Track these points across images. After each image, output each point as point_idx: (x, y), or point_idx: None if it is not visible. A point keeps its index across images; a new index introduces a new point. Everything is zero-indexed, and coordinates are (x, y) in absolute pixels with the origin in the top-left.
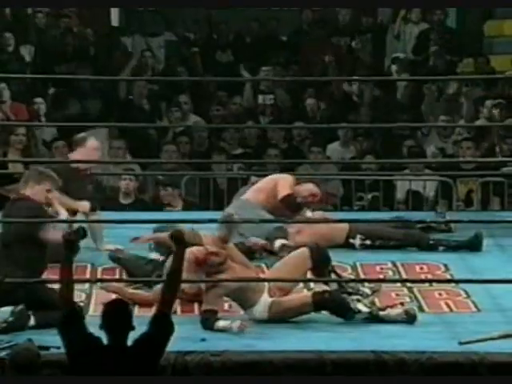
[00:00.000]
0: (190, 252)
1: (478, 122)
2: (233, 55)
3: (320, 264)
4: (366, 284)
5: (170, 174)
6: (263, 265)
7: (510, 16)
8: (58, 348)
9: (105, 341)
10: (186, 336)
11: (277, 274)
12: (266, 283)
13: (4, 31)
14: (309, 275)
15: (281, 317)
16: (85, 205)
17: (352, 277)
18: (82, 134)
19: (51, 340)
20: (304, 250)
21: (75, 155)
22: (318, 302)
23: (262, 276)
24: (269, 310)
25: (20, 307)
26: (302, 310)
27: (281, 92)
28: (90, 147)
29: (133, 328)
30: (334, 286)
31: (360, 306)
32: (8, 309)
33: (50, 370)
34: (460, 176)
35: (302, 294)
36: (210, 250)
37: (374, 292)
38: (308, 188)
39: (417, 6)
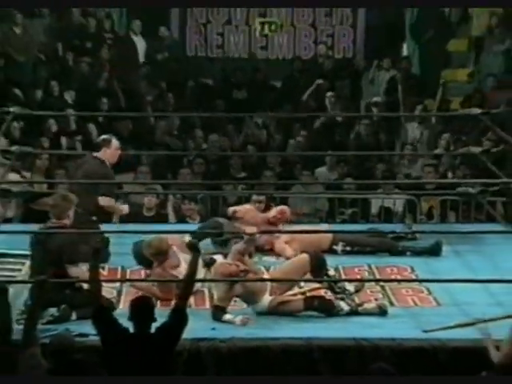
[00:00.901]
0: (225, 268)
1: (437, 151)
2: (247, 93)
3: (317, 269)
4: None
5: (188, 193)
6: (262, 267)
7: (462, 65)
8: (95, 335)
9: (131, 330)
10: (199, 326)
11: (279, 275)
12: (269, 284)
13: (50, 79)
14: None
15: (277, 312)
16: (124, 207)
17: (336, 276)
18: (106, 136)
19: (90, 329)
20: (305, 256)
21: (102, 155)
22: (308, 307)
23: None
24: (268, 306)
25: (64, 306)
26: (294, 310)
27: (272, 127)
28: (115, 147)
29: (155, 319)
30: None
31: (342, 305)
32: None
33: (86, 353)
34: (423, 195)
35: (296, 298)
36: (242, 268)
37: (357, 291)
38: (276, 209)
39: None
